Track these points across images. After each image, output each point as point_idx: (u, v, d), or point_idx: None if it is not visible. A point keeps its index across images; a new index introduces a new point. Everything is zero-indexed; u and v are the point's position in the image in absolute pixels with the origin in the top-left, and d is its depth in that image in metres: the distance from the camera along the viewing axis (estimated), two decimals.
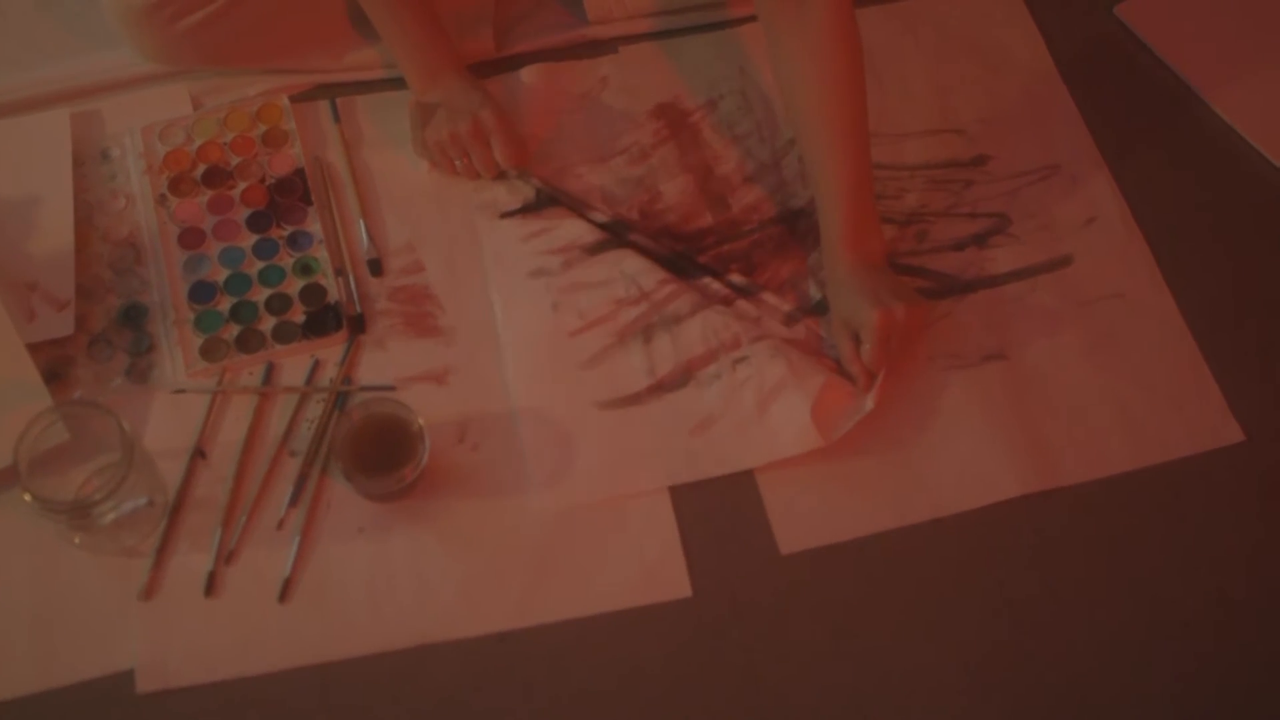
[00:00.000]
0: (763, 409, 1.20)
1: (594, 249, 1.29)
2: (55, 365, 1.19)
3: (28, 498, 1.03)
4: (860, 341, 1.19)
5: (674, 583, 1.14)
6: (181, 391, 1.20)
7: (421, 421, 1.14)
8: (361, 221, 1.30)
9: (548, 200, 1.31)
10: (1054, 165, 1.40)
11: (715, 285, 1.28)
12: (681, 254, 1.30)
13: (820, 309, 1.27)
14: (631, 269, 1.27)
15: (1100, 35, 1.51)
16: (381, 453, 1.13)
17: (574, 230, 1.30)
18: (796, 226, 1.33)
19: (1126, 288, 1.32)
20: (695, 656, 1.11)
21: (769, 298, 1.28)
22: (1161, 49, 1.49)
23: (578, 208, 1.31)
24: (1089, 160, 1.40)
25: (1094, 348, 1.28)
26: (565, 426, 1.20)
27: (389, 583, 1.12)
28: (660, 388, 1.23)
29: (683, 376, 1.23)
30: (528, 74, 1.40)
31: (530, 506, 1.16)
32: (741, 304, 1.27)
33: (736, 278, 1.29)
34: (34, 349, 1.17)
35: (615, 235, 1.30)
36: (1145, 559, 1.17)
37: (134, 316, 1.23)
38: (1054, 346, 1.28)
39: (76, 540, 1.11)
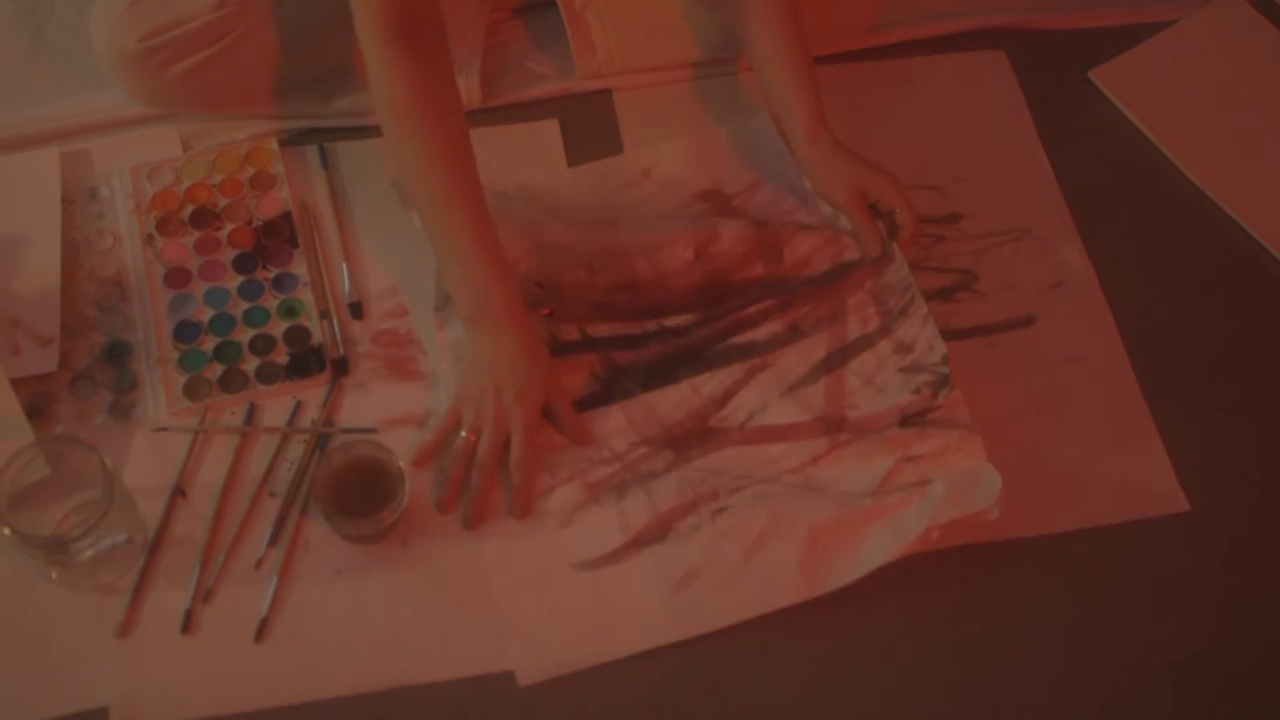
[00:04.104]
0: (748, 559, 1.16)
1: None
2: (38, 401, 1.20)
3: (6, 531, 1.02)
4: (876, 206, 1.32)
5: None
6: (163, 430, 1.20)
7: (402, 464, 1.14)
8: (344, 265, 1.31)
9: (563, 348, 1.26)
10: (1025, 228, 1.42)
11: (711, 383, 1.25)
12: (687, 351, 1.27)
13: (844, 358, 1.27)
14: (603, 431, 1.23)
15: (1075, 98, 1.54)
16: (361, 495, 1.13)
17: None
18: (847, 281, 1.31)
19: (1086, 352, 1.34)
20: (672, 703, 1.12)
21: (787, 357, 1.26)
22: (1134, 113, 1.52)
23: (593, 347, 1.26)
24: (1061, 225, 1.43)
25: (1048, 408, 1.30)
26: (543, 591, 1.15)
27: (365, 624, 1.12)
28: (636, 544, 1.17)
29: (660, 530, 1.18)
30: (576, 175, 1.40)
31: (511, 660, 1.11)
32: (743, 394, 1.24)
33: (760, 331, 1.27)
34: (17, 384, 1.18)
35: (605, 388, 1.24)
36: (1082, 619, 1.20)
37: (117, 354, 1.24)
38: (1009, 403, 1.29)
39: (53, 575, 1.11)
